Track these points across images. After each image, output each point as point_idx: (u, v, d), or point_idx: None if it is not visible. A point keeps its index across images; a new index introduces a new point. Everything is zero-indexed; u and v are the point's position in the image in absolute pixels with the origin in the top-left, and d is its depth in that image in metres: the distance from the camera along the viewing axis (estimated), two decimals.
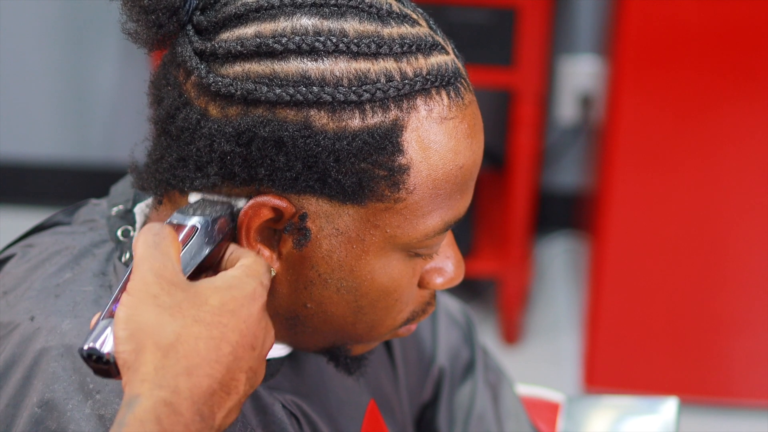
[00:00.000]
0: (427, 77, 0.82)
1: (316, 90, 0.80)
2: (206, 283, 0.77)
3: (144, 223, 0.91)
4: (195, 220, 0.81)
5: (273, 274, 0.84)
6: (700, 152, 2.01)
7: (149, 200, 0.92)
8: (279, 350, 0.93)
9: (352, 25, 0.81)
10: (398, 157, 0.82)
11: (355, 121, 0.80)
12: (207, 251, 0.80)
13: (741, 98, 1.96)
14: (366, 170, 0.81)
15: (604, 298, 2.15)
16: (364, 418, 1.00)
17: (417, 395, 1.13)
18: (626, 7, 1.91)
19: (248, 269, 0.79)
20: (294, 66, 0.80)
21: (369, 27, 0.82)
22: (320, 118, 0.80)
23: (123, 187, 0.98)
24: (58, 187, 2.69)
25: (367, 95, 0.80)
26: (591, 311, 2.18)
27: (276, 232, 0.84)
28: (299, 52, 0.80)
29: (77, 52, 2.57)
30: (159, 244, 0.77)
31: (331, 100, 0.80)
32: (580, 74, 2.47)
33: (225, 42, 0.82)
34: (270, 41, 0.80)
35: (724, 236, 2.07)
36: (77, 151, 2.67)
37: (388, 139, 0.81)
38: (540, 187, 2.56)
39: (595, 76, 2.42)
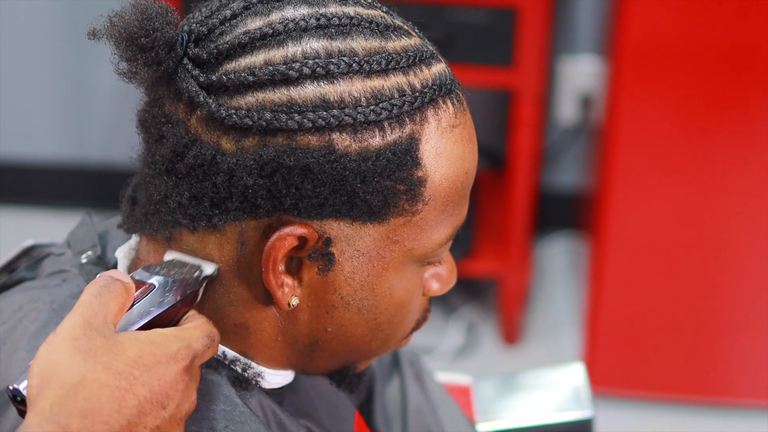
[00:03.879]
0: (433, 87, 0.83)
1: (337, 113, 0.79)
2: (130, 334, 0.77)
3: (131, 267, 0.89)
4: (154, 279, 0.81)
5: (296, 303, 0.83)
6: (700, 152, 2.01)
7: (131, 242, 0.90)
8: (286, 377, 0.91)
9: (359, 44, 0.81)
10: (416, 170, 0.82)
11: (376, 140, 0.80)
12: (160, 311, 0.80)
13: (741, 98, 1.96)
14: (389, 187, 0.81)
15: (604, 298, 2.15)
16: (354, 430, 1.00)
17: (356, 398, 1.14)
18: (626, 8, 1.91)
19: (181, 330, 0.79)
20: (311, 91, 0.79)
21: (374, 43, 0.82)
22: (343, 141, 0.79)
23: (83, 233, 0.96)
24: (58, 187, 2.69)
25: (385, 112, 0.80)
26: (591, 311, 2.18)
27: (295, 260, 0.83)
28: (314, 76, 0.79)
29: (77, 52, 2.57)
30: (101, 294, 0.77)
31: (352, 121, 0.79)
32: (580, 74, 2.47)
33: (233, 73, 0.80)
34: (283, 68, 0.79)
35: (724, 236, 2.07)
36: (77, 151, 2.67)
37: (408, 154, 0.81)
38: (540, 187, 2.56)
39: (595, 76, 2.42)
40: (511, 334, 2.39)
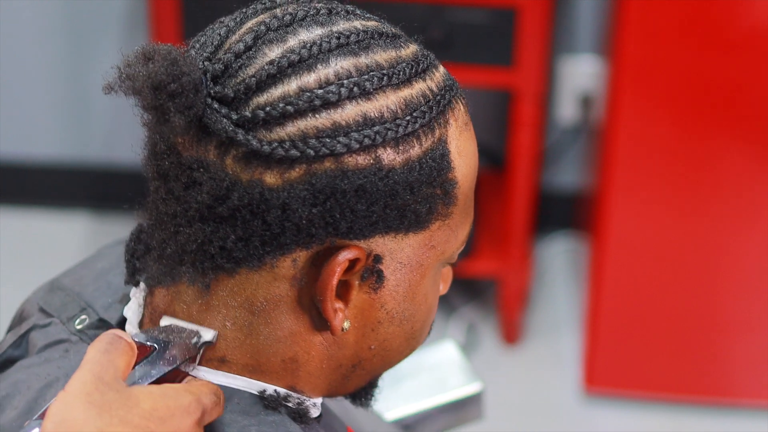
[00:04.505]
0: (446, 89, 0.84)
1: (379, 128, 0.78)
2: (142, 388, 0.76)
3: (145, 323, 0.87)
4: (154, 342, 0.81)
5: (348, 326, 0.83)
6: (700, 152, 2.01)
7: (138, 299, 0.88)
8: (319, 404, 0.89)
9: (380, 56, 0.81)
10: (450, 172, 0.82)
11: (415, 149, 0.80)
12: (161, 373, 0.80)
13: (742, 98, 1.96)
14: (432, 194, 0.82)
15: (604, 298, 2.15)
16: None
17: None
18: (626, 7, 1.91)
19: (189, 386, 0.79)
20: (352, 111, 0.78)
21: (392, 53, 0.82)
22: (388, 155, 0.79)
23: (60, 299, 0.93)
24: (58, 187, 2.69)
25: (420, 120, 0.80)
26: (591, 311, 2.18)
27: (342, 282, 0.82)
28: (352, 95, 0.78)
29: (77, 52, 2.57)
30: (109, 351, 0.76)
31: (395, 134, 0.79)
32: (580, 74, 2.47)
33: (268, 106, 0.77)
34: (321, 92, 0.77)
35: (725, 236, 2.07)
36: (77, 151, 2.67)
37: (443, 158, 0.82)
38: (540, 187, 2.56)
39: (595, 76, 2.42)
40: (511, 334, 2.39)
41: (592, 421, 2.22)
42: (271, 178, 0.77)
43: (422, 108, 0.81)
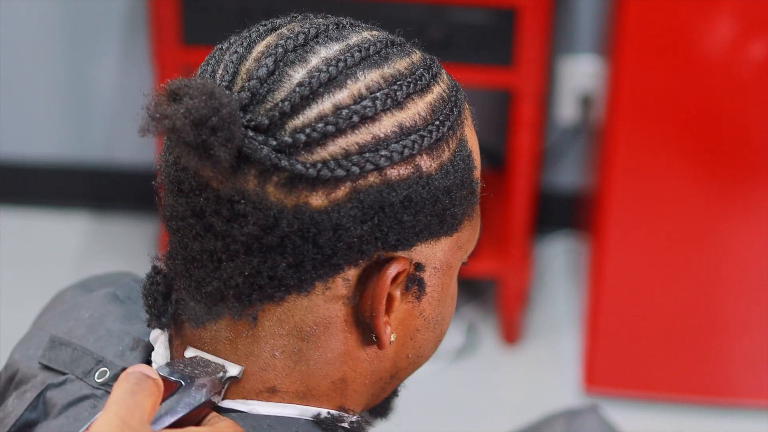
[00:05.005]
0: (455, 88, 0.84)
1: (416, 137, 0.78)
2: None
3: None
4: (180, 377, 0.79)
5: (394, 339, 0.83)
6: (700, 152, 2.01)
7: (164, 341, 0.85)
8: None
9: (400, 65, 0.81)
10: (474, 172, 0.83)
11: (446, 153, 0.81)
12: (186, 410, 0.78)
13: (742, 97, 1.96)
14: (465, 196, 0.82)
15: (604, 298, 2.15)
16: None
17: None
18: (626, 7, 1.91)
19: (214, 428, 0.77)
20: (389, 122, 0.78)
21: (407, 60, 0.82)
22: (425, 162, 0.79)
23: (67, 355, 0.89)
24: (58, 187, 2.69)
25: (447, 124, 0.81)
26: (591, 311, 2.18)
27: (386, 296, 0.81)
28: (386, 107, 0.78)
29: (77, 52, 2.57)
30: (135, 392, 0.73)
31: (430, 141, 0.79)
32: (580, 74, 2.47)
33: (307, 128, 0.76)
34: (357, 107, 0.77)
35: (725, 236, 2.07)
36: (77, 151, 2.67)
37: (469, 158, 0.83)
38: (540, 187, 2.56)
39: (595, 76, 2.42)
40: (511, 334, 2.39)
41: None
42: (316, 200, 0.76)
43: (445, 111, 0.81)
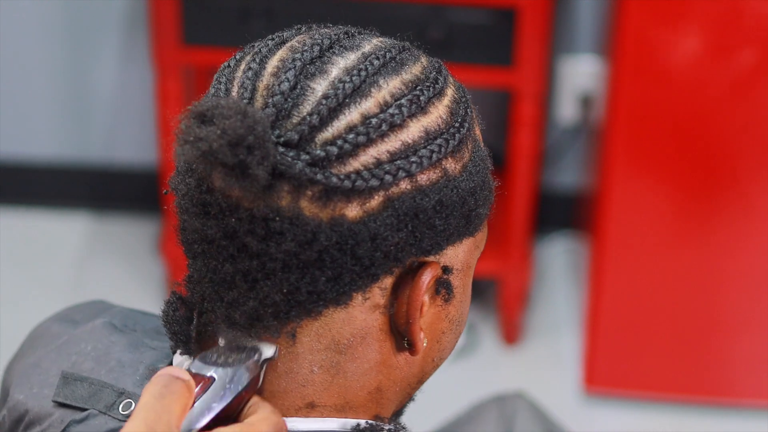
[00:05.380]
0: (460, 88, 0.84)
1: (441, 141, 0.78)
2: None
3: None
4: (213, 371, 0.77)
5: (426, 344, 0.82)
6: (700, 152, 2.01)
7: (188, 365, 0.82)
8: None
9: (415, 69, 0.81)
10: (489, 171, 0.84)
11: (466, 155, 0.81)
12: (222, 405, 0.76)
13: (742, 97, 1.96)
14: (487, 195, 0.83)
15: (604, 298, 2.15)
16: None
17: None
18: (626, 7, 1.91)
19: (248, 427, 0.75)
20: (416, 128, 0.78)
21: (419, 64, 0.82)
22: (450, 165, 0.79)
23: (84, 389, 0.87)
24: (58, 187, 2.69)
25: (465, 125, 0.81)
26: (591, 311, 2.18)
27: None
28: (411, 113, 0.78)
29: (77, 52, 2.57)
30: (164, 396, 0.73)
31: (453, 143, 0.79)
32: (580, 74, 2.47)
33: (337, 140, 0.75)
34: (385, 116, 0.76)
35: (724, 236, 2.07)
36: (77, 151, 2.67)
37: (487, 158, 0.83)
38: (540, 187, 2.56)
39: (595, 76, 2.42)
40: (511, 334, 2.39)
41: (592, 421, 2.22)
42: (352, 212, 0.76)
43: (461, 112, 0.81)
